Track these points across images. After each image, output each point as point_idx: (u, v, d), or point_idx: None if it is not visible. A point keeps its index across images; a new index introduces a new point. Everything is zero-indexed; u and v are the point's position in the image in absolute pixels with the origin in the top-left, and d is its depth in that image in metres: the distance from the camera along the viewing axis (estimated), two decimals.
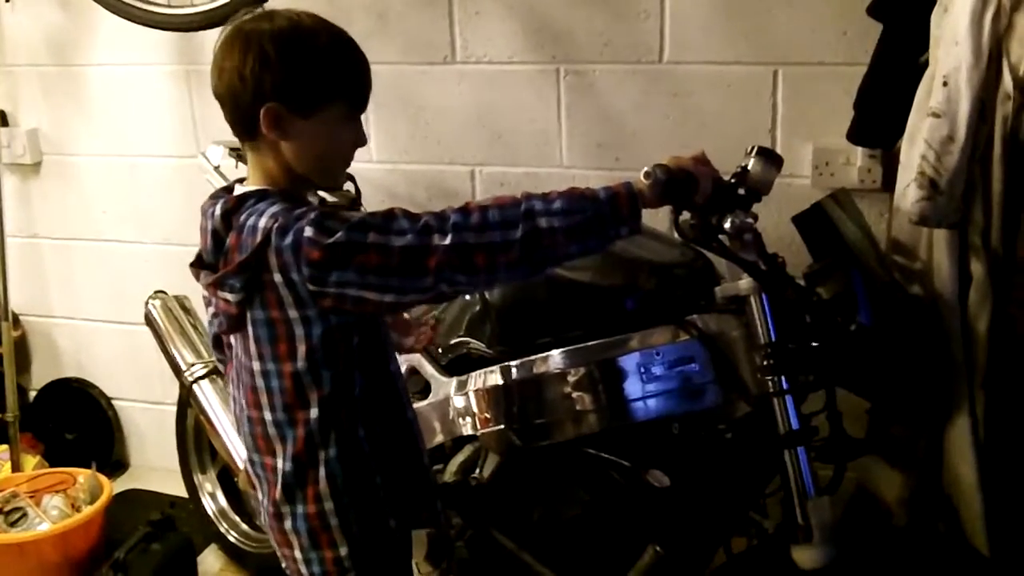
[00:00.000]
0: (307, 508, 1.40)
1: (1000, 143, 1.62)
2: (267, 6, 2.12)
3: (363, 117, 1.43)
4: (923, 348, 1.70)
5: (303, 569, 1.44)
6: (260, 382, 1.38)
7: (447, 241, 1.25)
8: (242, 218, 1.33)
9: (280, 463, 1.40)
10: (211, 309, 1.44)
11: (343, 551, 1.41)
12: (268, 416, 1.39)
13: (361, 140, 1.42)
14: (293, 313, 1.32)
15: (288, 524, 1.42)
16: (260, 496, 1.47)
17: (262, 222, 1.30)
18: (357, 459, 1.40)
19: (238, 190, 1.39)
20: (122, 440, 3.12)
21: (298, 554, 1.43)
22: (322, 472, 1.38)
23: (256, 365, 1.37)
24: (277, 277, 1.29)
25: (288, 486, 1.40)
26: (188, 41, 2.59)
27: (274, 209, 1.31)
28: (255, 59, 1.32)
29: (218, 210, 1.35)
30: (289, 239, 1.27)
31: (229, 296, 1.34)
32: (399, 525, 1.46)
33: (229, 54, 1.35)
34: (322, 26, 1.37)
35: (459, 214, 1.27)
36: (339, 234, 1.26)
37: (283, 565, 1.48)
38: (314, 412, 1.36)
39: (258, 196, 1.35)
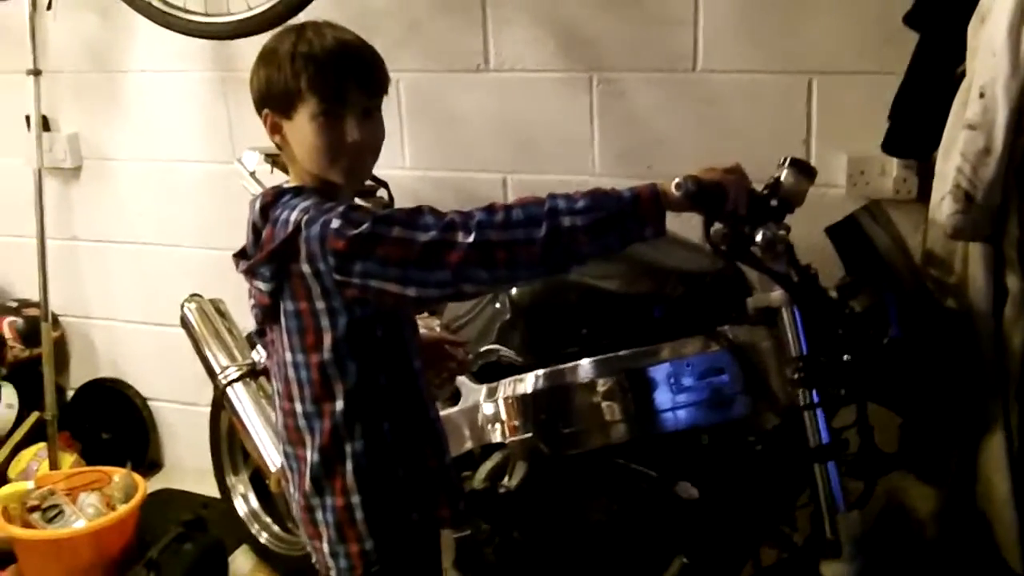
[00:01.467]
0: (335, 500, 1.43)
1: None
2: (306, 15, 2.14)
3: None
4: (956, 362, 1.69)
5: (330, 562, 1.46)
6: (291, 373, 1.42)
7: (470, 239, 1.27)
8: (277, 212, 1.38)
9: (309, 455, 1.43)
10: (251, 301, 1.48)
11: (368, 544, 1.43)
12: (299, 408, 1.43)
13: (352, 137, 1.39)
14: (320, 304, 1.36)
15: (319, 516, 1.45)
16: (292, 490, 1.50)
17: (294, 215, 1.35)
18: (382, 452, 1.43)
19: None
20: (157, 440, 3.16)
21: (326, 547, 1.46)
22: (349, 465, 1.41)
23: (288, 356, 1.41)
24: (305, 268, 1.34)
25: (316, 478, 1.43)
26: (224, 48, 2.61)
27: (306, 204, 1.36)
28: (252, 73, 1.44)
29: (257, 204, 1.42)
30: (316, 230, 1.32)
31: (262, 286, 1.40)
32: (421, 519, 1.48)
33: None
34: (296, 29, 1.42)
35: (484, 212, 1.30)
36: (364, 226, 1.29)
37: (313, 559, 1.51)
38: (340, 404, 1.40)
39: (294, 192, 1.41)
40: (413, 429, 1.48)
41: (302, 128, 1.39)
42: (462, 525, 1.54)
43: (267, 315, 1.43)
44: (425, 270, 1.29)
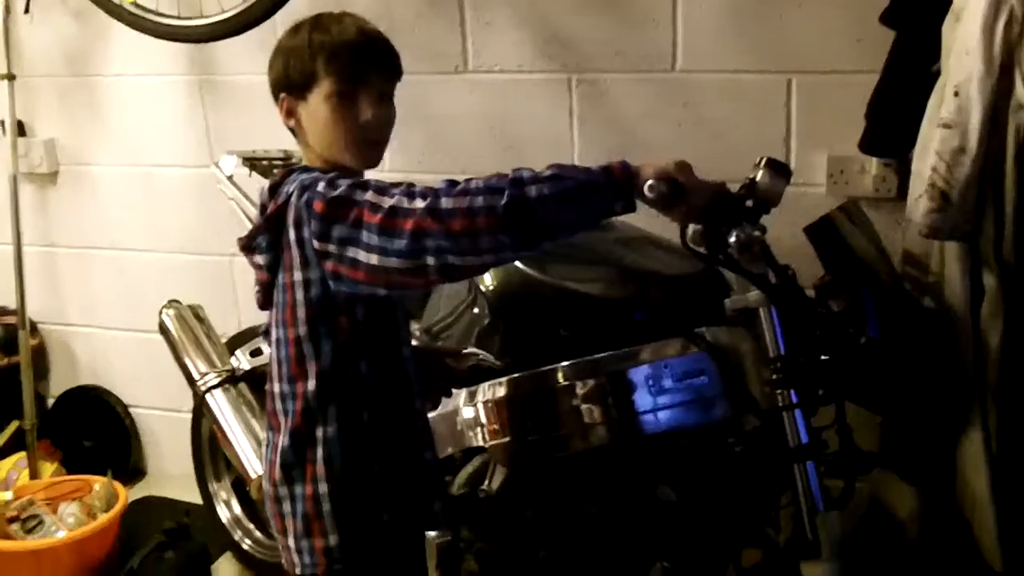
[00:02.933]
0: (304, 489, 1.41)
1: (1012, 154, 1.59)
2: (283, 16, 2.14)
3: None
4: (934, 361, 1.68)
5: (295, 559, 1.44)
6: (274, 352, 1.43)
7: (424, 204, 1.26)
8: (283, 187, 1.40)
9: (280, 439, 1.42)
10: (256, 288, 1.48)
11: (333, 540, 1.41)
12: (276, 388, 1.43)
13: (365, 116, 1.41)
14: (298, 275, 1.37)
15: (286, 507, 1.44)
16: (264, 484, 1.48)
17: (294, 186, 1.37)
18: (357, 442, 1.42)
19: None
20: (139, 447, 3.14)
21: (291, 542, 1.44)
22: (320, 451, 1.40)
23: (274, 333, 1.42)
24: (292, 234, 1.35)
25: (287, 465, 1.42)
26: (201, 52, 2.61)
27: (307, 175, 1.38)
28: (269, 65, 1.48)
29: (267, 185, 1.44)
30: (306, 195, 1.33)
31: (260, 259, 1.41)
32: (392, 519, 1.45)
33: None
34: (314, 18, 1.46)
35: (445, 182, 1.29)
36: (342, 188, 1.31)
37: (282, 559, 1.49)
38: (312, 384, 1.39)
39: (302, 170, 1.43)
40: (395, 423, 1.46)
41: (317, 109, 1.41)
42: (436, 528, 1.50)
43: (267, 295, 1.43)
44: (385, 236, 1.27)
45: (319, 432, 1.40)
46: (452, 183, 1.29)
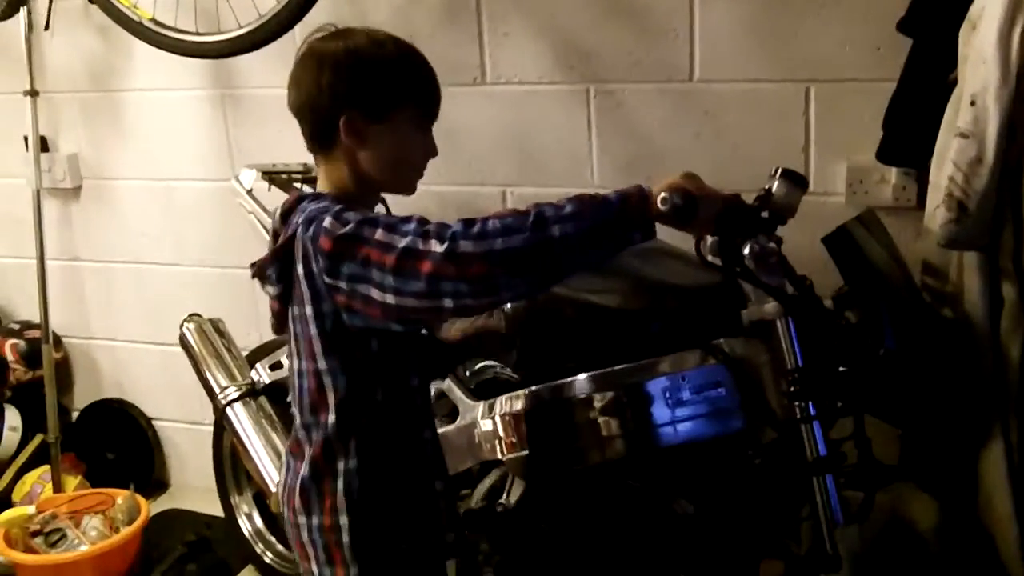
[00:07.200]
0: (323, 520, 1.41)
1: None
2: (301, 28, 2.15)
3: None
4: (953, 373, 1.66)
5: None
6: (295, 381, 1.42)
7: (442, 248, 1.24)
8: (294, 216, 1.38)
9: (302, 468, 1.42)
10: (271, 315, 1.48)
11: (353, 571, 1.41)
12: (298, 419, 1.43)
13: (432, 151, 1.47)
14: (310, 309, 1.36)
15: (305, 535, 1.43)
16: (283, 509, 1.48)
17: (302, 218, 1.35)
18: (376, 474, 1.41)
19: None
20: (162, 460, 3.16)
21: (314, 568, 1.44)
22: (340, 483, 1.40)
23: (295, 364, 1.42)
24: (300, 268, 1.34)
25: (306, 494, 1.42)
26: (222, 66, 2.62)
27: (317, 206, 1.36)
28: (331, 71, 1.39)
29: (279, 211, 1.43)
30: (312, 230, 1.32)
31: (271, 289, 1.41)
32: (411, 548, 1.45)
33: (306, 70, 1.42)
34: (389, 37, 1.44)
35: (461, 223, 1.28)
36: (350, 226, 1.29)
37: None
38: (332, 416, 1.39)
39: (312, 197, 1.41)
40: (411, 452, 1.45)
41: (395, 134, 1.40)
42: (451, 556, 1.50)
43: (280, 323, 1.43)
44: (401, 277, 1.26)
45: (340, 464, 1.40)
46: (469, 222, 1.27)
